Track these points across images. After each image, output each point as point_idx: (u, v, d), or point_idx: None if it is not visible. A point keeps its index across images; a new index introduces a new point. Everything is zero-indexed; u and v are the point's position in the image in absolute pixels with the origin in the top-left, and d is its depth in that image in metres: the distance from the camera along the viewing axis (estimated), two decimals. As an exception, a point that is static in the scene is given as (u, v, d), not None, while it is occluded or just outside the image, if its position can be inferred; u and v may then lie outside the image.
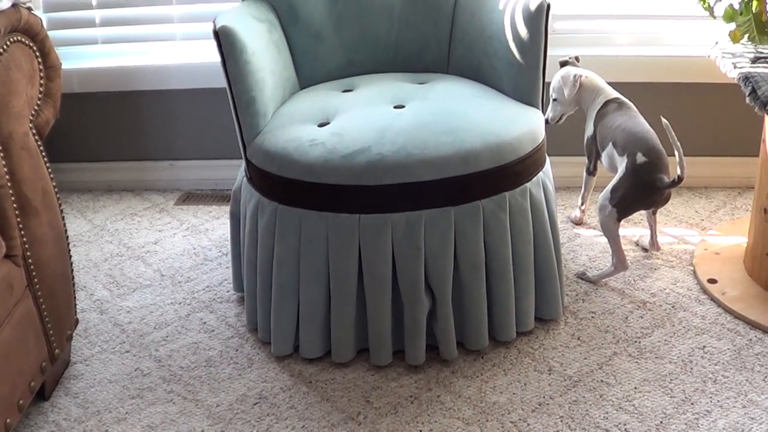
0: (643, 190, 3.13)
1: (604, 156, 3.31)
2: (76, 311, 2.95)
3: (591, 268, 3.36)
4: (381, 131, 2.72)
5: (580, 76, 3.37)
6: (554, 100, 3.46)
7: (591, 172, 3.51)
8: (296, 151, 2.73)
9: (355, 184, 2.65)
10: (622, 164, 3.15)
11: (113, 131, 4.19)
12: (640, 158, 3.09)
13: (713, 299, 3.14)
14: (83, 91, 4.09)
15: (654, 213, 3.43)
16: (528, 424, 2.61)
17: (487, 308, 2.84)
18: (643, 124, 3.21)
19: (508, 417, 2.64)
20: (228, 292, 3.32)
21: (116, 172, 4.25)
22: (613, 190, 3.15)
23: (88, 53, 4.16)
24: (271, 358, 2.94)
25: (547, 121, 3.40)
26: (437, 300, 2.76)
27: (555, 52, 3.71)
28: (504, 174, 2.75)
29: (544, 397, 2.71)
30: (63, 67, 3.97)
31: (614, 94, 3.35)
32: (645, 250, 3.48)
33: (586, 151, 3.45)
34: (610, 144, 3.24)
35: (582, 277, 3.34)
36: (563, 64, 3.49)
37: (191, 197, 4.14)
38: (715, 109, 3.71)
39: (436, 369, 2.85)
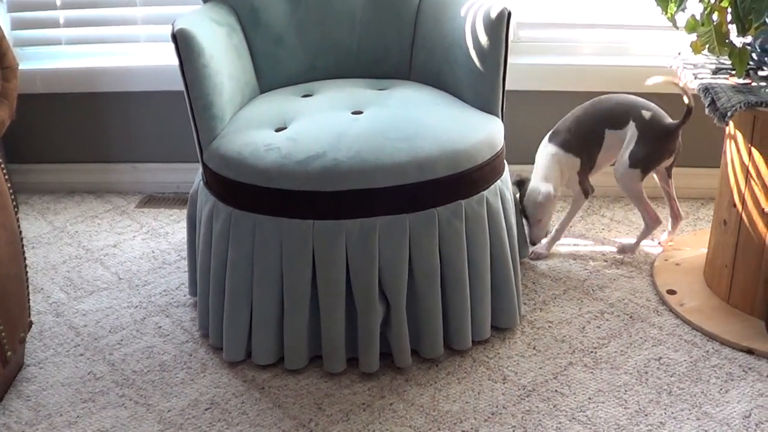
0: (660, 140, 3.29)
1: (603, 150, 3.39)
2: (30, 313, 2.92)
3: (549, 277, 3.35)
4: (337, 137, 2.71)
5: (554, 193, 3.35)
6: (539, 220, 3.40)
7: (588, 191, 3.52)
8: (251, 155, 2.71)
9: (309, 189, 2.64)
10: (627, 134, 3.30)
11: (76, 133, 4.16)
12: (646, 114, 3.27)
13: (671, 310, 3.14)
14: (47, 92, 4.07)
15: (669, 175, 3.48)
16: (480, 434, 2.60)
17: (442, 316, 2.82)
18: (608, 99, 3.39)
19: (460, 426, 2.62)
20: (185, 296, 3.30)
21: (78, 174, 4.22)
22: (631, 156, 3.28)
23: (52, 53, 4.14)
24: (225, 364, 2.92)
25: (533, 243, 3.45)
26: (391, 308, 2.75)
27: (520, 60, 3.73)
28: (460, 182, 2.74)
29: (497, 407, 2.70)
30: (27, 67, 3.97)
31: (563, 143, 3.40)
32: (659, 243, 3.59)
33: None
34: (606, 130, 3.35)
35: (623, 250, 3.48)
36: (519, 183, 3.43)
37: (153, 200, 4.12)
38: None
39: (389, 377, 2.84)
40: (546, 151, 3.39)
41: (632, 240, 3.52)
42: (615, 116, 3.32)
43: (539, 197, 3.31)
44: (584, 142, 3.35)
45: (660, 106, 3.39)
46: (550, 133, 3.41)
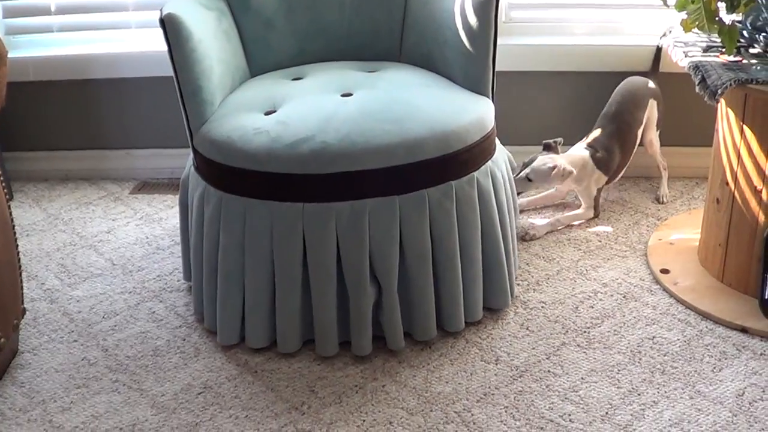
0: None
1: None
2: (23, 300, 2.92)
3: (543, 257, 3.35)
4: (326, 119, 2.70)
5: (571, 172, 3.40)
6: (529, 180, 3.43)
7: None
8: (240, 139, 2.71)
9: (298, 172, 2.64)
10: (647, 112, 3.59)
11: (69, 120, 4.15)
12: (652, 84, 3.62)
13: (665, 289, 3.14)
14: (39, 80, 4.06)
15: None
16: (472, 414, 2.59)
17: (434, 298, 2.82)
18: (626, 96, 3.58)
19: (453, 407, 2.63)
20: (178, 281, 3.30)
21: (72, 161, 4.22)
22: (659, 123, 3.63)
23: (44, 41, 4.12)
24: (218, 348, 2.92)
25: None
26: (383, 290, 2.75)
27: (511, 41, 3.72)
28: (450, 163, 2.74)
29: (489, 387, 2.70)
30: (19, 55, 3.96)
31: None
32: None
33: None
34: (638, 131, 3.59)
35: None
36: (547, 147, 3.50)
37: (147, 186, 4.12)
38: (673, 98, 3.70)
39: (382, 359, 2.84)
40: (580, 155, 3.50)
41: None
42: (637, 108, 3.52)
43: (548, 164, 3.39)
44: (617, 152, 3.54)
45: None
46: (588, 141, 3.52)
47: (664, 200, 3.67)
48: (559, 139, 3.48)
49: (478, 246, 2.85)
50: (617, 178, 3.60)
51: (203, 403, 2.68)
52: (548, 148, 3.46)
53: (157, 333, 3.02)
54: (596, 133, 3.52)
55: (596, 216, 3.57)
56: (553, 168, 3.33)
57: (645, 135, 3.58)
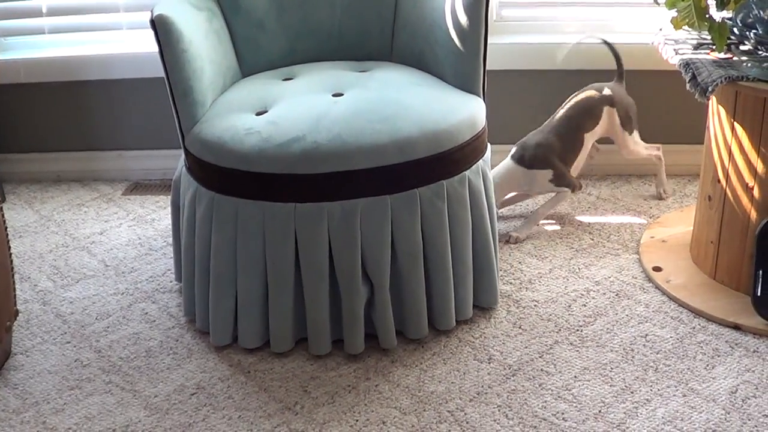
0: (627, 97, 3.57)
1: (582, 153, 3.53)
2: (16, 302, 2.92)
3: (535, 256, 3.35)
4: (317, 119, 2.70)
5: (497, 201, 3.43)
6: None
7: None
8: (232, 139, 2.71)
9: (289, 172, 2.64)
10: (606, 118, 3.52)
11: (61, 121, 4.15)
12: (607, 91, 3.53)
13: (658, 287, 3.14)
14: (30, 81, 4.05)
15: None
16: (465, 414, 2.60)
17: (426, 297, 2.82)
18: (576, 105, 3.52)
19: (446, 406, 2.63)
20: (171, 282, 3.30)
21: (64, 163, 4.21)
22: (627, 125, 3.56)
23: (35, 43, 4.11)
24: (211, 348, 2.92)
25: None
26: (375, 289, 2.75)
27: (502, 39, 3.73)
28: (442, 162, 2.74)
29: (482, 386, 2.70)
30: (10, 57, 3.96)
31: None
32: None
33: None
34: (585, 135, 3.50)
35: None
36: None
37: (139, 187, 4.12)
38: (664, 96, 3.71)
39: (375, 358, 2.84)
40: (505, 167, 3.49)
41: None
42: (587, 117, 3.48)
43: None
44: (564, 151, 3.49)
45: (644, 84, 3.46)
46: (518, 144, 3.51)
47: (664, 196, 3.66)
48: None
49: (468, 244, 2.85)
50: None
51: (196, 404, 2.68)
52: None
53: (149, 334, 3.02)
54: (536, 132, 3.51)
55: (579, 188, 3.53)
56: None
57: (619, 146, 3.58)
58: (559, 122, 3.46)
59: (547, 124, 3.48)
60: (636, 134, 3.58)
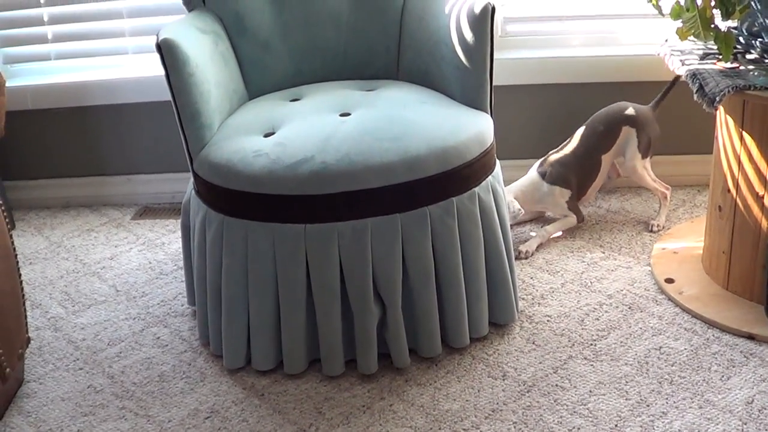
0: (652, 123, 3.58)
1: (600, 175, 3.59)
2: (27, 329, 2.92)
3: (547, 271, 3.35)
4: (325, 140, 2.70)
5: (519, 211, 3.49)
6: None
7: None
8: (240, 162, 2.71)
9: (299, 193, 2.63)
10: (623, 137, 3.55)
11: (69, 147, 4.16)
12: (630, 111, 3.54)
13: (670, 299, 3.13)
14: (37, 108, 4.06)
15: None
16: (481, 431, 2.58)
17: (439, 315, 2.81)
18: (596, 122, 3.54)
19: (461, 425, 2.62)
20: (182, 306, 3.29)
21: (73, 188, 4.22)
22: (640, 148, 3.55)
23: (42, 69, 4.13)
24: (224, 372, 2.91)
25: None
26: (387, 308, 2.74)
27: (508, 55, 3.73)
28: (451, 179, 2.73)
29: (497, 404, 2.69)
30: (17, 84, 3.97)
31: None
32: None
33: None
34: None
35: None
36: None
37: (148, 211, 4.12)
38: (672, 107, 3.69)
39: (389, 377, 2.83)
40: (530, 179, 3.56)
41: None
42: (606, 134, 3.52)
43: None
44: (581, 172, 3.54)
45: (652, 95, 3.42)
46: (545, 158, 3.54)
47: (656, 229, 3.61)
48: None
49: (481, 261, 2.84)
50: (586, 195, 3.60)
51: (210, 428, 2.67)
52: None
53: (162, 358, 3.01)
54: (561, 147, 3.53)
55: (581, 221, 3.59)
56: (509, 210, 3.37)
57: (626, 162, 3.57)
58: (579, 143, 3.51)
59: (569, 142, 3.50)
60: (648, 162, 3.57)
